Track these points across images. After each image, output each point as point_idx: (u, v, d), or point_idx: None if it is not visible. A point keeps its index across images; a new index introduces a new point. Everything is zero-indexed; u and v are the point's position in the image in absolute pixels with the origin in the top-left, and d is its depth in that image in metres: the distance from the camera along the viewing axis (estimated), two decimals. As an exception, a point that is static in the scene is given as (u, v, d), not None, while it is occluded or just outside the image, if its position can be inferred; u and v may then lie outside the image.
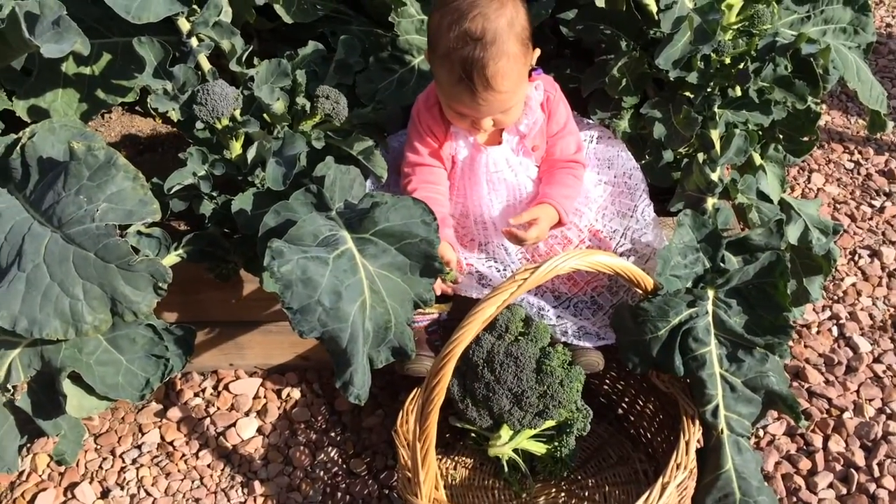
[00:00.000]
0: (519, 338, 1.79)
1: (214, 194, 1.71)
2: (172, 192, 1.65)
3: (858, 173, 2.85)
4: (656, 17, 1.96)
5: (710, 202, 1.86)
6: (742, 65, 1.90)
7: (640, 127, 2.03)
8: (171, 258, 1.69)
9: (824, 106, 3.13)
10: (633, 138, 2.05)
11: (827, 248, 2.11)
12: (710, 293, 1.74)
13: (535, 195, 1.84)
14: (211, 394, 2.19)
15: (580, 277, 1.88)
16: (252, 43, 2.02)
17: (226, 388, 2.19)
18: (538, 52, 1.72)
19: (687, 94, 1.95)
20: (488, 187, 1.82)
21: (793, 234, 2.11)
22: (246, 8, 2.06)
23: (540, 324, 1.79)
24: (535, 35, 1.85)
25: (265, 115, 1.72)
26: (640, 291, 1.69)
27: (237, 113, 1.67)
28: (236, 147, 1.70)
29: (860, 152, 2.94)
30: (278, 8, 2.11)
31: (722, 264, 1.78)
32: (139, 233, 1.63)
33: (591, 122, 2.06)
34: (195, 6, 1.74)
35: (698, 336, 1.68)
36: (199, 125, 1.64)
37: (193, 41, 1.76)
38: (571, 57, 2.17)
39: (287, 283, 1.43)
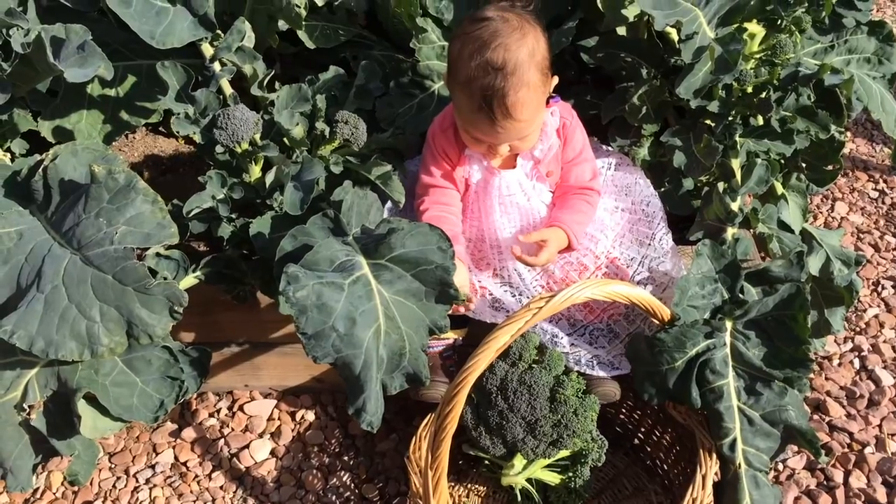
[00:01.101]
0: (533, 366, 1.78)
1: (233, 217, 1.72)
2: (192, 214, 1.67)
3: (883, 202, 2.81)
4: (677, 46, 1.95)
5: (730, 232, 1.84)
6: (764, 94, 1.89)
7: (660, 155, 2.02)
8: (189, 280, 1.70)
9: (849, 133, 3.09)
10: (653, 166, 2.04)
11: (849, 279, 2.08)
12: (729, 325, 1.72)
13: (548, 220, 1.84)
14: (226, 414, 2.20)
15: (596, 305, 1.87)
16: (274, 67, 2.05)
17: (241, 408, 2.20)
18: (556, 79, 1.72)
19: (708, 122, 1.94)
20: (501, 210, 1.82)
21: (814, 265, 2.09)
22: (269, 33, 2.08)
23: (554, 352, 1.78)
24: (556, 61, 1.86)
25: (285, 139, 1.73)
26: (657, 321, 1.68)
27: (257, 137, 1.68)
28: (255, 171, 1.71)
29: (885, 181, 2.90)
30: (301, 34, 2.13)
31: (741, 295, 1.75)
32: (158, 255, 1.64)
33: (609, 149, 2.05)
34: (219, 31, 1.76)
35: (716, 368, 1.66)
36: (219, 149, 1.66)
37: (216, 66, 1.78)
38: (592, 83, 2.17)
39: (302, 309, 1.43)
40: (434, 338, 1.87)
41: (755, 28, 1.96)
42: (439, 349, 1.91)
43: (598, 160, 1.99)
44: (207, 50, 1.78)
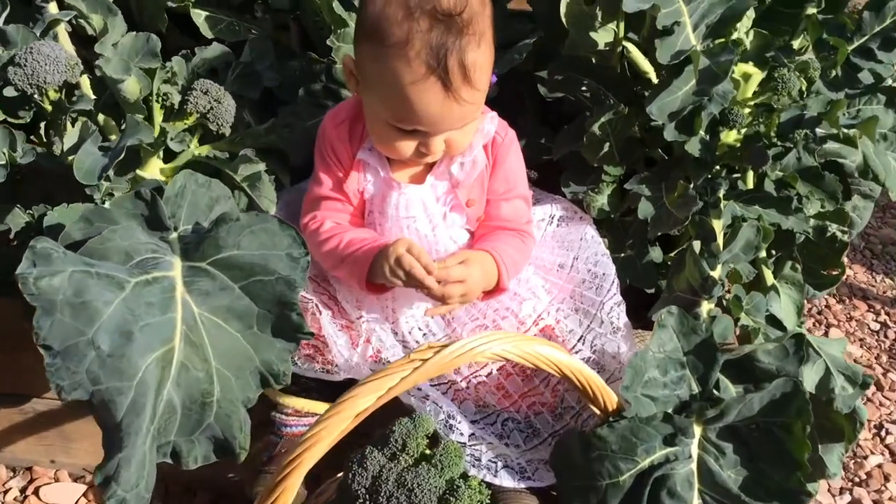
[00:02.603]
0: (420, 462, 1.25)
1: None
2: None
3: (886, 336, 2.37)
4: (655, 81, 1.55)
5: (706, 307, 1.37)
6: (759, 144, 1.47)
7: (622, 210, 1.58)
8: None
9: (846, 259, 2.69)
10: (612, 228, 1.59)
11: (853, 404, 1.58)
12: (697, 430, 1.22)
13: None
14: (16, 498, 1.62)
15: (514, 387, 1.36)
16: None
17: (36, 493, 1.62)
18: (494, 78, 1.30)
19: (685, 174, 1.51)
20: (396, 235, 1.35)
21: (810, 378, 1.59)
22: (157, 12, 1.67)
23: (451, 444, 1.25)
24: (506, 95, 1.47)
25: (118, 104, 1.26)
26: (598, 411, 1.17)
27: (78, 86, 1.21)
28: (67, 139, 1.22)
29: (888, 313, 2.46)
30: (200, 21, 1.72)
31: (716, 392, 1.27)
32: None
33: (555, 197, 1.59)
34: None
35: (675, 490, 1.16)
36: (9, 91, 1.18)
37: (52, 7, 1.33)
38: (548, 125, 1.74)
39: (48, 305, 0.93)
40: (292, 412, 1.36)
41: (750, 69, 1.57)
42: (297, 431, 1.39)
43: (538, 209, 1.54)
44: (43, -16, 1.34)
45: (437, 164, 1.36)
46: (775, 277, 1.69)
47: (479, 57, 1.19)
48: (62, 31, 1.36)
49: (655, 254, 1.58)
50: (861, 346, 2.32)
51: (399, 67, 1.18)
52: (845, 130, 1.61)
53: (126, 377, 0.94)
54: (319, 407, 1.38)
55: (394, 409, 1.32)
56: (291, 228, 1.07)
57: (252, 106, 1.58)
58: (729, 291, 1.49)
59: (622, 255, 1.55)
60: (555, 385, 1.38)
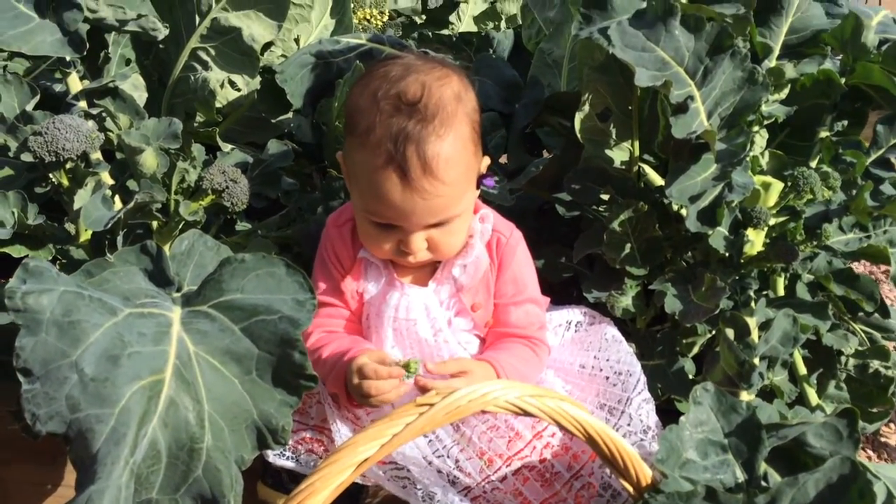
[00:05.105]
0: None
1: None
2: None
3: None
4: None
5: (745, 398, 1.26)
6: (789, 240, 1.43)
7: (648, 319, 1.51)
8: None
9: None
10: (640, 339, 1.52)
11: (924, 534, 1.42)
12: (747, 524, 1.07)
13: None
14: None
15: (533, 494, 1.22)
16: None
17: None
18: (488, 160, 1.29)
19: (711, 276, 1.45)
20: (394, 339, 1.27)
21: (870, 503, 1.44)
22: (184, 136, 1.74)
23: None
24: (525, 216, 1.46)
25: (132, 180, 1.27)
26: (629, 487, 1.04)
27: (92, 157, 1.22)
28: (82, 196, 1.20)
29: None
30: (227, 150, 1.78)
31: (764, 483, 1.13)
32: None
33: (574, 305, 1.52)
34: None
35: (726, 586, 0.99)
36: (27, 157, 1.17)
37: (82, 104, 1.39)
38: (568, 246, 1.71)
39: (33, 324, 0.87)
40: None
41: (770, 179, 1.56)
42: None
43: (555, 315, 1.46)
44: (74, 84, 1.40)
45: (440, 267, 1.31)
46: (819, 397, 1.58)
47: (444, 149, 1.14)
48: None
49: (688, 365, 1.48)
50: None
51: (364, 155, 1.16)
52: (873, 243, 1.58)
53: (108, 403, 0.85)
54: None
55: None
56: (299, 273, 1.02)
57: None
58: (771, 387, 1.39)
59: (651, 362, 1.46)
60: (578, 491, 1.25)
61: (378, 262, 1.30)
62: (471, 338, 1.32)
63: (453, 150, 1.15)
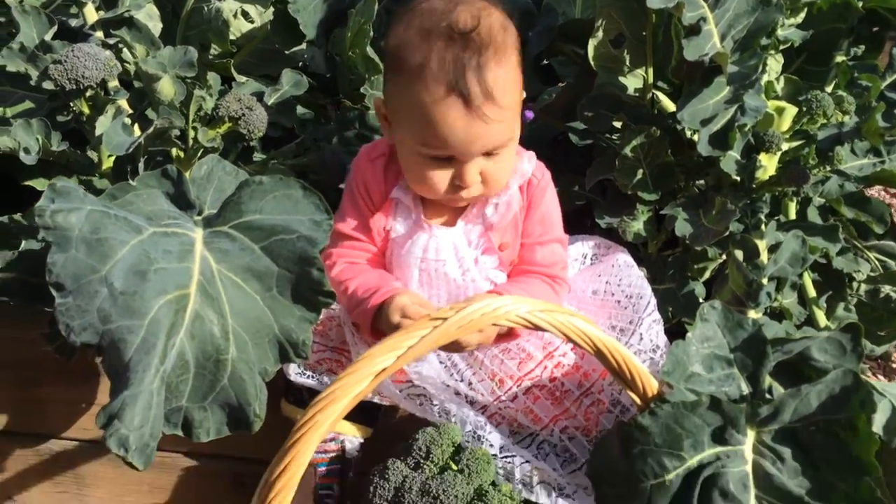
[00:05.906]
0: (445, 470, 1.16)
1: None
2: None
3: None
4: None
5: (752, 317, 1.29)
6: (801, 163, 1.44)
7: (660, 243, 1.53)
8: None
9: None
10: (651, 263, 1.54)
11: (928, 450, 1.46)
12: (751, 433, 1.11)
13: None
14: (23, 549, 1.53)
15: (543, 411, 1.26)
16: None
17: (45, 542, 1.53)
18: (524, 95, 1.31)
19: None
20: (421, 280, 1.29)
21: (875, 421, 1.48)
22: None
23: (478, 450, 1.16)
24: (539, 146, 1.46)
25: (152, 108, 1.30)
26: (636, 397, 1.08)
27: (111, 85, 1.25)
28: (103, 123, 1.24)
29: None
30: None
31: (769, 395, 1.17)
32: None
33: (587, 236, 1.54)
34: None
35: (728, 489, 1.04)
36: (47, 85, 1.21)
37: (98, 34, 1.41)
38: (581, 174, 1.73)
39: (62, 240, 0.91)
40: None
41: (784, 104, 1.57)
42: (322, 459, 1.30)
43: (571, 250, 1.48)
44: (90, 14, 1.41)
45: (470, 207, 1.33)
46: (828, 318, 1.60)
47: (501, 74, 1.18)
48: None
49: (698, 289, 1.51)
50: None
51: (420, 90, 1.17)
52: (887, 167, 1.59)
53: (138, 315, 0.90)
54: (347, 429, 1.31)
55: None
56: (315, 195, 1.05)
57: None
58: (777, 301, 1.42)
59: (662, 286, 1.49)
60: (587, 407, 1.29)
61: (409, 203, 1.31)
62: (498, 273, 1.34)
63: (508, 75, 1.19)
